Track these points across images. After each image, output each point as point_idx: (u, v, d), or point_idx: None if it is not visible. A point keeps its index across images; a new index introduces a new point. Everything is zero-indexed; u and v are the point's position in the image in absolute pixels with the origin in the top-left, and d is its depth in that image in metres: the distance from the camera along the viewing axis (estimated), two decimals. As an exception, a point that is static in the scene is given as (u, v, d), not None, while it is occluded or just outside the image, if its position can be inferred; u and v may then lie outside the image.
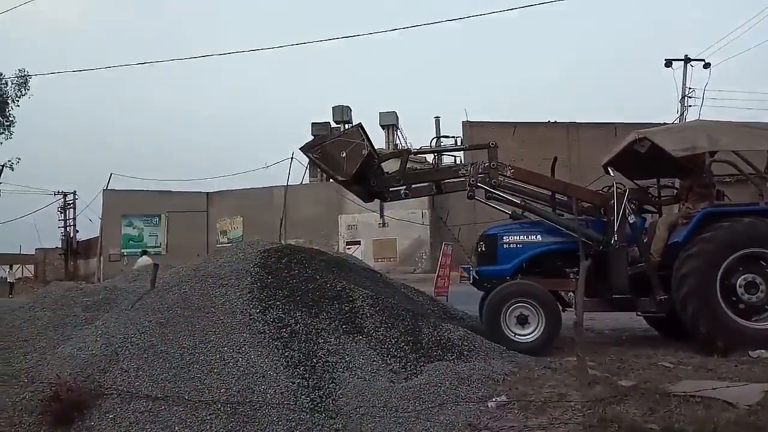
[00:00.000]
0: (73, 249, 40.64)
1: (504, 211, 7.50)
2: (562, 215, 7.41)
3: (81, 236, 41.27)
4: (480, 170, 7.22)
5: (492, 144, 7.29)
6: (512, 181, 7.30)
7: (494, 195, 7.28)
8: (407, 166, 7.46)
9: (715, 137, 6.79)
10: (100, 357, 5.33)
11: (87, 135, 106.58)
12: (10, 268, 26.84)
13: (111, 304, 7.11)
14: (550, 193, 7.49)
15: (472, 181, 7.23)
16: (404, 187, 7.53)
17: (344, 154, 6.72)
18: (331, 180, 8.34)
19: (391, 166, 7.91)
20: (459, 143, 7.11)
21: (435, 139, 7.34)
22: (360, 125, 6.90)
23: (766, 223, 6.33)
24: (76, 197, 41.14)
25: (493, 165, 7.20)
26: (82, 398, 4.77)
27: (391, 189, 7.72)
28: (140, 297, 6.47)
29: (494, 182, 7.18)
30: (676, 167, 7.45)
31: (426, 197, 31.60)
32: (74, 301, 7.51)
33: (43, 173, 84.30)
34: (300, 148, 7.07)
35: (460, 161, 6.97)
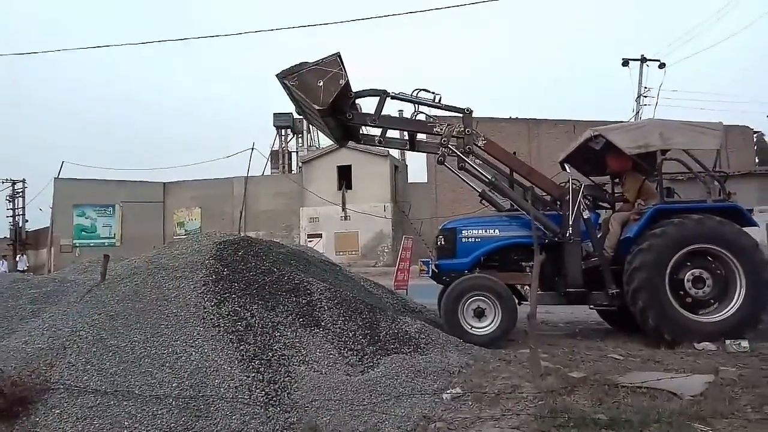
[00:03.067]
0: (23, 239, 39.13)
1: (473, 188, 7.49)
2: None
3: (31, 226, 39.79)
4: (454, 132, 7.19)
5: (467, 110, 7.22)
6: (484, 154, 7.31)
7: (466, 166, 7.25)
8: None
9: (667, 136, 7.00)
10: (46, 350, 5.15)
11: (37, 121, 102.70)
12: (23, 254, 25.52)
13: (59, 297, 6.88)
14: (516, 175, 7.52)
15: (444, 141, 7.19)
16: (379, 133, 7.44)
17: (321, 83, 6.57)
18: (304, 115, 8.02)
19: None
20: (439, 101, 6.91)
21: (416, 91, 7.12)
22: (338, 54, 6.69)
23: (714, 220, 6.56)
24: (26, 185, 39.65)
25: (468, 131, 7.20)
26: (27, 393, 4.61)
27: (364, 133, 7.60)
28: (90, 289, 6.28)
29: (468, 149, 7.17)
30: (621, 167, 7.62)
31: (389, 189, 31.85)
32: (21, 292, 7.24)
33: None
34: (276, 75, 6.84)
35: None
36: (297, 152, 43.22)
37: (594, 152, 7.42)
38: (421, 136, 7.81)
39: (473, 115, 7.25)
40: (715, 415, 3.99)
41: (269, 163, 41.84)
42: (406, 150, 8.06)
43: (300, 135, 44.52)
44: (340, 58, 6.66)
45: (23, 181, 39.61)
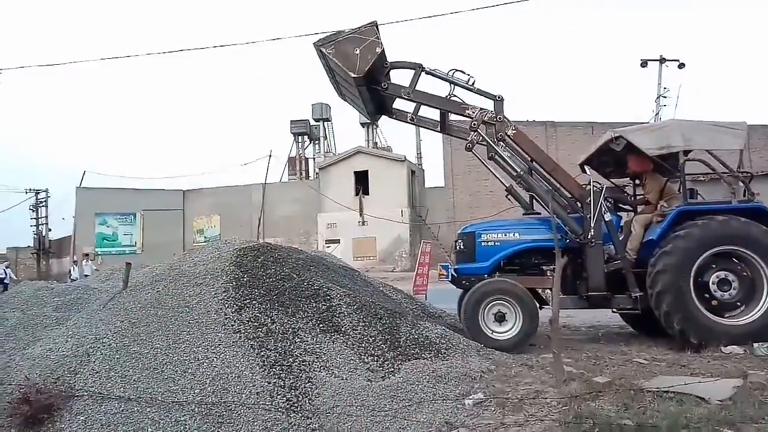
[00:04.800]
0: (46, 248, 39.82)
1: (501, 181, 7.39)
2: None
3: (54, 235, 40.50)
4: (486, 118, 7.08)
5: (499, 97, 7.12)
6: (512, 144, 7.17)
7: (496, 156, 7.14)
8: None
9: (689, 136, 6.89)
10: (70, 358, 5.23)
11: (60, 131, 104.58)
12: (86, 259, 24.33)
13: (83, 304, 6.97)
14: (540, 169, 7.34)
15: (474, 124, 7.09)
16: (412, 110, 7.40)
17: (358, 51, 6.61)
18: (337, 88, 7.89)
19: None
20: (472, 84, 6.82)
21: (452, 71, 7.03)
22: (375, 23, 6.73)
23: (739, 221, 6.43)
24: (48, 195, 40.39)
25: (500, 118, 7.08)
26: (51, 400, 4.67)
27: (396, 108, 7.62)
28: (113, 297, 6.35)
29: (499, 136, 7.06)
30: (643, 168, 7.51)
31: (406, 194, 31.84)
32: (45, 300, 7.36)
33: (13, 170, 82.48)
34: (313, 43, 6.90)
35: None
36: (314, 158, 43.50)
37: (615, 154, 7.33)
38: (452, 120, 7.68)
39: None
40: (744, 420, 3.89)
41: (287, 169, 42.14)
42: (437, 131, 7.91)
43: (317, 141, 44.84)
44: (377, 27, 6.71)
45: (46, 190, 40.39)
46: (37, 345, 5.81)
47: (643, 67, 29.98)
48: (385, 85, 7.18)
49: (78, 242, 34.51)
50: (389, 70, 7.21)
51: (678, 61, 29.70)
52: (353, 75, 6.72)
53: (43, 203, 40.21)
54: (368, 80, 6.93)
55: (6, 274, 20.39)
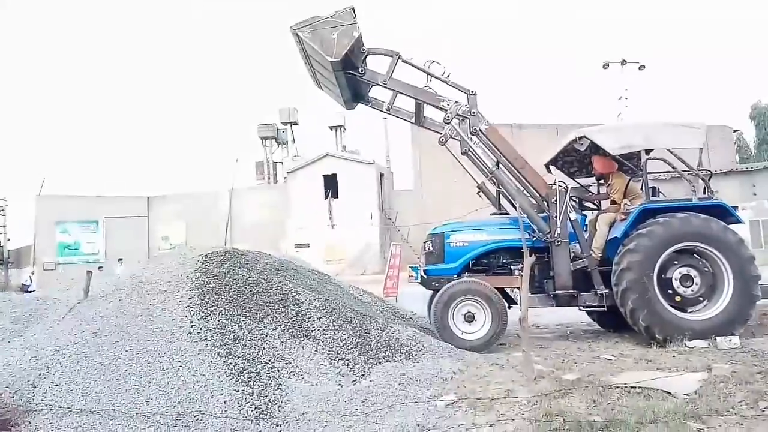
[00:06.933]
0: (4, 258, 38.56)
1: (472, 177, 7.42)
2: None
3: (12, 244, 39.23)
4: (460, 112, 7.08)
5: (472, 92, 7.12)
6: (486, 139, 7.16)
7: (469, 151, 7.14)
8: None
9: (651, 136, 7.04)
10: (29, 371, 5.03)
11: (17, 137, 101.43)
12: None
13: (42, 315, 6.72)
14: (510, 166, 7.30)
15: (448, 117, 7.08)
16: (388, 100, 7.38)
17: (335, 35, 6.56)
18: (313, 75, 7.75)
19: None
20: (447, 77, 6.84)
21: (428, 62, 7.04)
22: (352, 7, 6.69)
23: (699, 218, 6.59)
24: (6, 203, 39.10)
25: (474, 112, 7.09)
26: (9, 415, 4.50)
27: (373, 97, 7.61)
28: (73, 306, 6.15)
29: (473, 130, 7.06)
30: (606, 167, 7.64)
31: (376, 197, 31.83)
32: (2, 313, 7.07)
33: (-29, 178, 79.46)
34: (290, 27, 6.82)
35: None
36: (282, 163, 43.16)
37: (579, 154, 7.42)
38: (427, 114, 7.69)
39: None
40: (710, 413, 3.97)
41: (255, 174, 41.73)
42: (412, 122, 7.85)
43: (284, 145, 44.51)
44: (354, 11, 6.67)
45: (4, 199, 39.13)
46: (-7, 359, 5.58)
47: (605, 68, 30.67)
48: (362, 70, 7.12)
49: (38, 251, 33.50)
50: (366, 56, 7.17)
51: (638, 63, 30.47)
52: (330, 59, 6.65)
53: (1, 212, 38.97)
54: (345, 65, 6.87)
55: (31, 281, 19.92)
